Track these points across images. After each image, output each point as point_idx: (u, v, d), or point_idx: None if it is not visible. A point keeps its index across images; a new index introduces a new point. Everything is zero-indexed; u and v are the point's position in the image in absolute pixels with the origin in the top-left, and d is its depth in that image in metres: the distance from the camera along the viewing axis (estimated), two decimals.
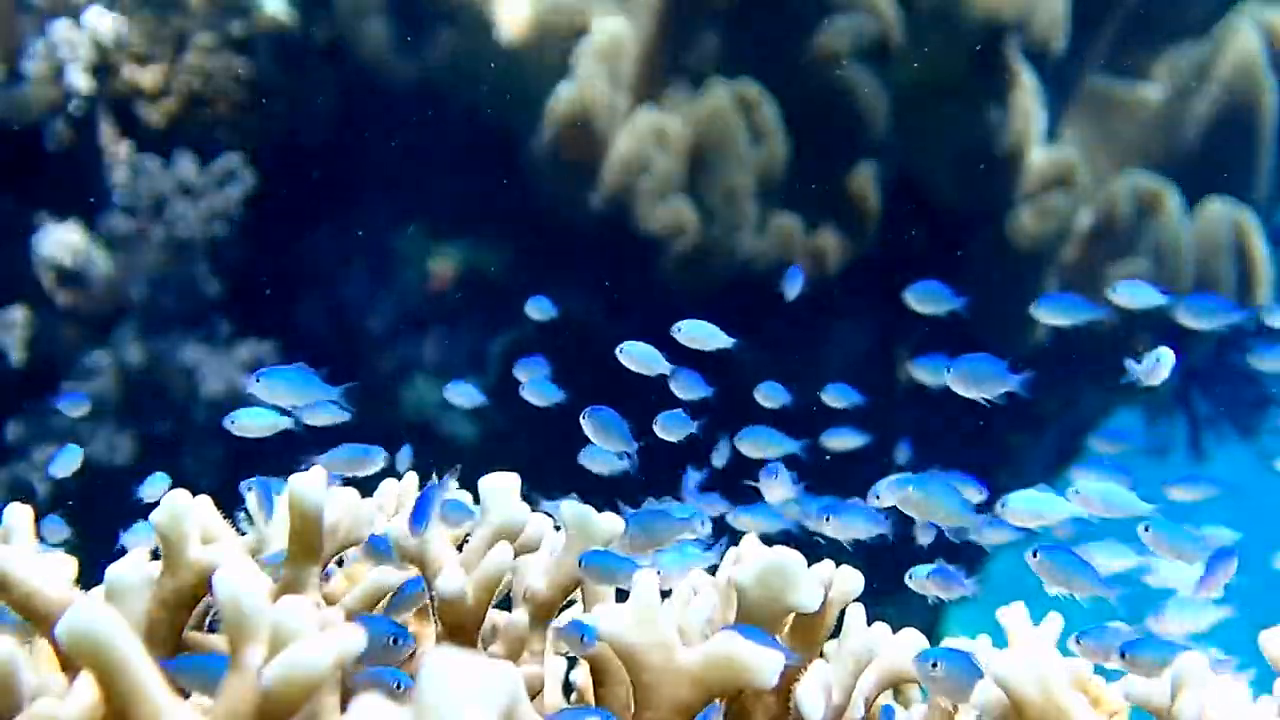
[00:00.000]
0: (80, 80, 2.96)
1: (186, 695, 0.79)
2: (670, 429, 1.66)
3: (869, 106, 3.12)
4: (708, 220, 3.04)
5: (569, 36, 3.04)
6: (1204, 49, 3.49)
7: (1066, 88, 3.52)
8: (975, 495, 1.26)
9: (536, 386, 1.86)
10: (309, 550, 0.82)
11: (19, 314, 2.96)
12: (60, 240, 2.94)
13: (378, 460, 1.25)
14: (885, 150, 3.21)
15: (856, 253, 3.22)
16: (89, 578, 0.84)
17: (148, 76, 3.07)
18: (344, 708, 0.75)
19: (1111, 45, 3.60)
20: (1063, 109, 3.55)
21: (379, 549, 0.90)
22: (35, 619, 0.79)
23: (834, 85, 3.09)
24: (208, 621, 0.82)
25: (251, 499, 0.88)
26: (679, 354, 1.74)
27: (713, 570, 0.96)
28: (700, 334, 1.74)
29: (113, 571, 0.76)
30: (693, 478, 1.63)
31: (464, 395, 2.10)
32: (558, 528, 0.96)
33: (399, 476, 1.08)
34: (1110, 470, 1.39)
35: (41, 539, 1.45)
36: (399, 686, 0.80)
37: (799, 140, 3.11)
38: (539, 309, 2.16)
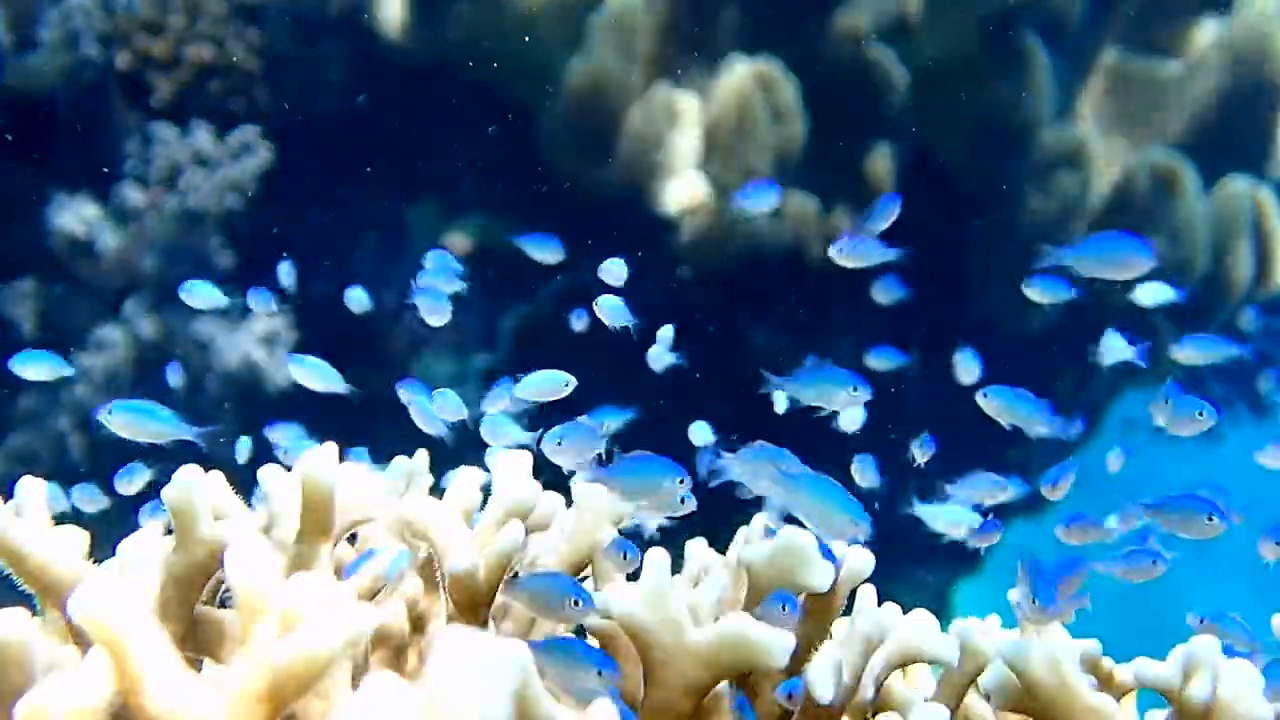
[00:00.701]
0: (93, 49, 2.95)
1: (198, 669, 0.79)
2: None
3: (888, 85, 3.10)
4: (723, 199, 3.03)
5: (585, 9, 3.02)
6: (1224, 23, 3.46)
7: (1084, 63, 3.50)
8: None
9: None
10: (320, 527, 0.82)
11: (30, 285, 2.97)
12: (72, 211, 2.95)
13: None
14: (902, 129, 3.19)
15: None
16: (102, 551, 0.84)
17: (160, 46, 3.06)
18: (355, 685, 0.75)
19: (1130, 20, 3.57)
20: (1080, 84, 3.52)
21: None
22: (47, 593, 0.79)
23: (854, 63, 3.08)
24: (219, 597, 0.82)
25: (264, 476, 0.88)
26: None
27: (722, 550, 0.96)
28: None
29: (125, 546, 0.76)
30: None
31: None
32: (569, 506, 0.96)
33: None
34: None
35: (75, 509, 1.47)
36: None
37: (817, 119, 3.09)
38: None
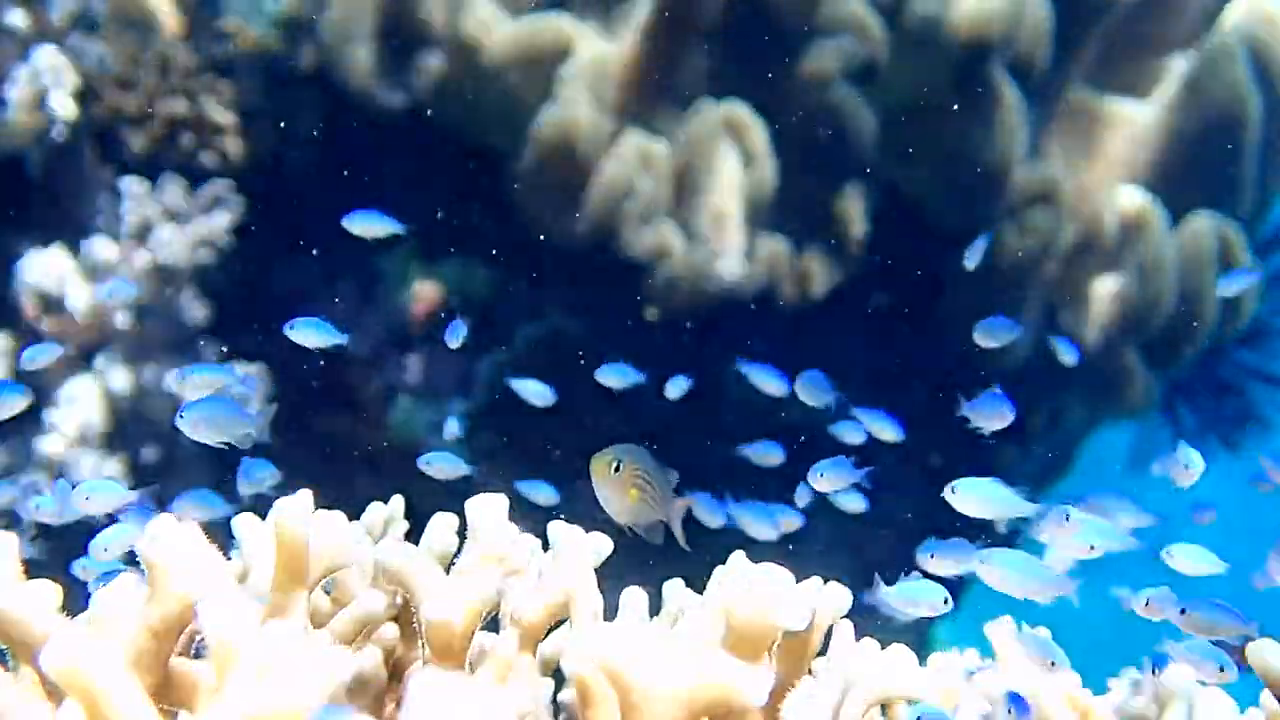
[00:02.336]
0: (63, 106, 2.96)
1: None
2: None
3: (856, 127, 3.13)
4: (694, 243, 3.04)
5: (554, 59, 3.04)
6: (1187, 62, 3.52)
7: (1050, 103, 3.54)
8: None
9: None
10: (295, 575, 0.82)
11: (2, 341, 2.95)
12: (43, 267, 2.94)
13: None
14: (871, 171, 3.22)
15: (843, 274, 3.23)
16: (74, 605, 0.83)
17: (131, 101, 3.07)
18: None
19: (1095, 60, 3.62)
20: (1047, 124, 3.57)
21: None
22: (19, 647, 0.79)
23: (822, 107, 3.11)
24: (194, 648, 0.82)
25: (238, 525, 0.88)
26: None
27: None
28: None
29: (98, 598, 0.76)
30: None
31: None
32: (545, 549, 0.96)
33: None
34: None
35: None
36: None
37: (787, 161, 3.12)
38: None
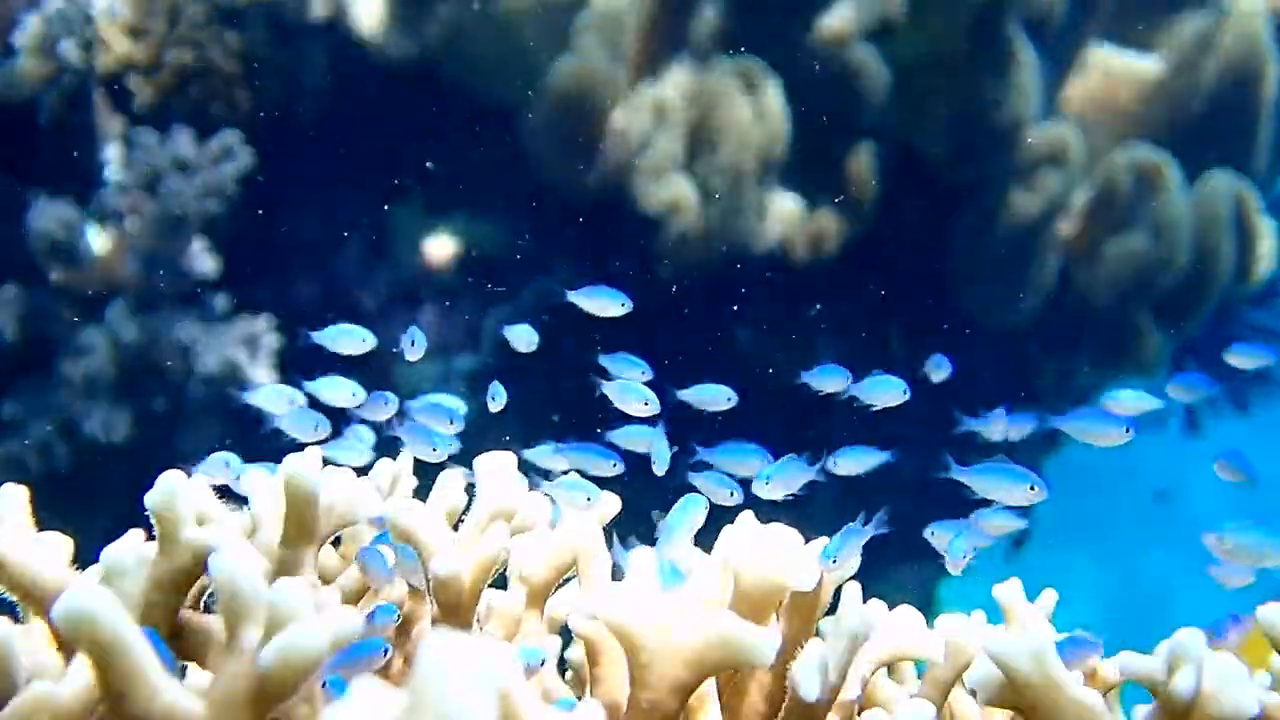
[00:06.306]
0: (73, 54, 2.94)
1: (181, 675, 0.79)
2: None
3: (870, 85, 3.11)
4: (707, 199, 3.03)
5: (569, 10, 3.02)
6: (1206, 19, 3.48)
7: (1066, 58, 3.51)
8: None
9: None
10: (305, 531, 0.82)
11: (12, 291, 2.95)
12: (53, 217, 2.93)
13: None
14: (884, 127, 3.19)
15: (855, 231, 3.21)
16: (85, 557, 0.84)
17: (140, 50, 3.05)
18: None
19: (1112, 16, 3.58)
20: (1062, 80, 3.53)
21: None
22: (31, 600, 0.79)
23: (836, 62, 3.08)
24: (203, 602, 0.82)
25: (247, 480, 0.88)
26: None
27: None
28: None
29: (108, 552, 0.76)
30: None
31: None
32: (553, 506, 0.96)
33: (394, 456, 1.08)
34: None
35: None
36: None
37: (800, 118, 3.10)
38: None
